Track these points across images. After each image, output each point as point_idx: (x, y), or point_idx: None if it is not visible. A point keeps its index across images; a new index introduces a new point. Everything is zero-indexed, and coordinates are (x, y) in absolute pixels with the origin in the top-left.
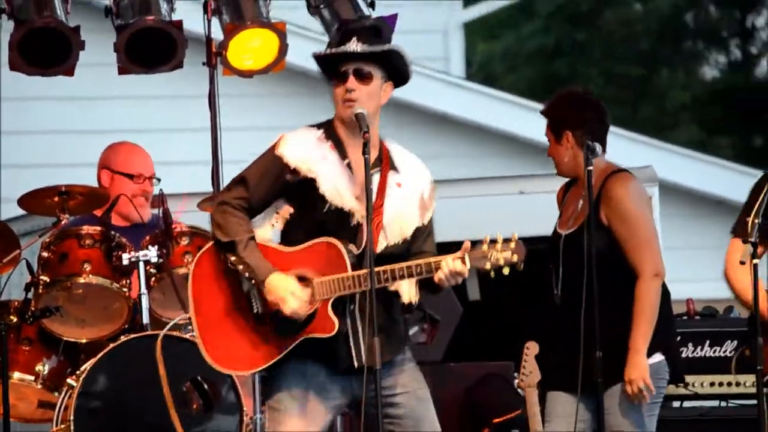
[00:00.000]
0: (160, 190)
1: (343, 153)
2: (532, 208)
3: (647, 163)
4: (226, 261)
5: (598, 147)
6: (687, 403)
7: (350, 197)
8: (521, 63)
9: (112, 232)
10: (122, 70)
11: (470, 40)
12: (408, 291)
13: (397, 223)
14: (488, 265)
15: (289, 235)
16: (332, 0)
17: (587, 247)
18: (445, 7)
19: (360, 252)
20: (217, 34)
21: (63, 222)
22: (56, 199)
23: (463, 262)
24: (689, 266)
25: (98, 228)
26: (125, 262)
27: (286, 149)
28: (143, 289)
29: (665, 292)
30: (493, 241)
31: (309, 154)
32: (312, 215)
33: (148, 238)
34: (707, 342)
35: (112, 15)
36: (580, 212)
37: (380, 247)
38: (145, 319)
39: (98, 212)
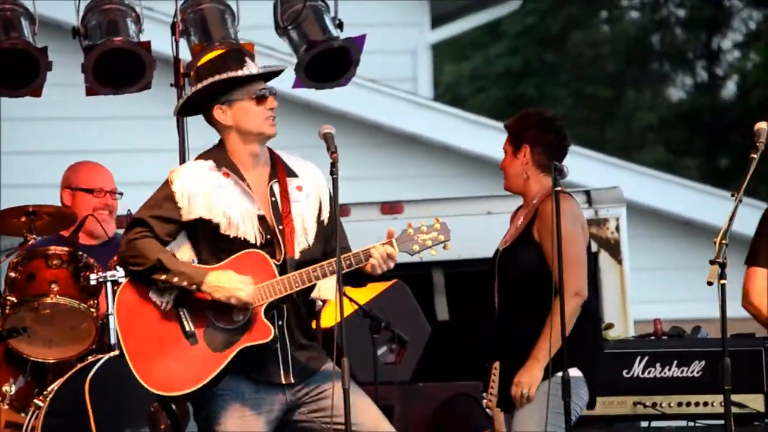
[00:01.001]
0: (128, 210)
1: (239, 175)
2: (500, 229)
3: (614, 183)
4: (151, 286)
5: (566, 168)
6: (655, 423)
7: (252, 222)
8: (489, 84)
9: (80, 253)
10: (90, 91)
11: (438, 61)
12: (327, 289)
13: (305, 227)
14: (416, 247)
15: (203, 263)
16: (300, 21)
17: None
18: (413, 29)
19: (281, 262)
20: (185, 55)
21: (30, 242)
22: (23, 219)
23: (392, 246)
24: (656, 287)
25: (66, 248)
26: (93, 282)
27: (177, 187)
28: (111, 309)
29: (595, 318)
30: (418, 226)
31: (201, 189)
32: (219, 245)
33: (115, 258)
34: (675, 362)
35: (79, 36)
36: (518, 229)
37: (297, 253)
38: (113, 339)
39: (65, 233)
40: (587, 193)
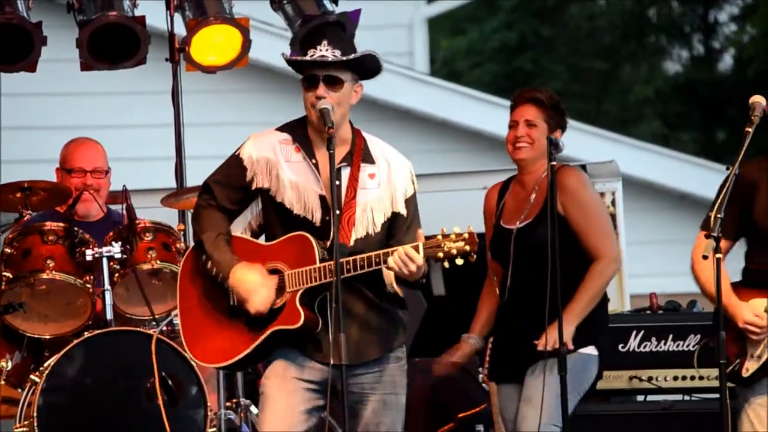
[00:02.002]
0: (124, 186)
1: (310, 152)
2: None
3: (610, 157)
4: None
5: (561, 143)
6: (651, 397)
7: (312, 199)
8: (485, 59)
9: (76, 228)
10: (84, 66)
11: (434, 36)
12: (390, 279)
13: (369, 215)
14: (441, 254)
15: (268, 232)
16: None
17: (550, 240)
18: (409, 3)
19: (329, 246)
20: (180, 29)
21: (26, 218)
22: (19, 195)
23: (417, 249)
24: (652, 261)
25: (61, 224)
26: (89, 257)
27: (247, 154)
28: (107, 285)
29: (605, 297)
30: (448, 233)
31: (270, 159)
32: (280, 218)
33: (111, 233)
34: (670, 336)
35: (74, 11)
36: (533, 205)
37: (352, 242)
38: (109, 315)
39: (61, 209)
40: (583, 167)
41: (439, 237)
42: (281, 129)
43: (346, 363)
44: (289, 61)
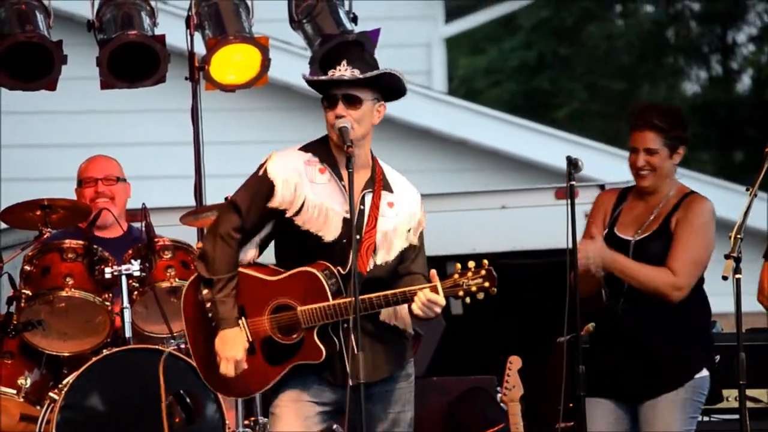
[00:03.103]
0: (143, 204)
1: (337, 173)
2: (514, 223)
3: (629, 177)
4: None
5: (581, 162)
6: None
7: (336, 220)
8: (504, 78)
9: (95, 246)
10: (105, 85)
11: (452, 55)
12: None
13: (387, 244)
14: (461, 293)
15: (281, 255)
16: (315, 15)
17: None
18: (427, 22)
19: (346, 273)
20: (200, 48)
21: (45, 235)
22: (38, 212)
23: (436, 291)
24: None
25: (81, 242)
26: (108, 275)
27: (272, 172)
28: (126, 303)
29: (710, 315)
30: (465, 269)
31: (294, 181)
32: (298, 238)
33: (130, 251)
34: None
35: (94, 29)
36: (653, 221)
37: (369, 269)
38: (128, 333)
39: (82, 225)
40: (602, 187)
41: (456, 275)
42: (304, 149)
43: (364, 381)
44: (308, 81)
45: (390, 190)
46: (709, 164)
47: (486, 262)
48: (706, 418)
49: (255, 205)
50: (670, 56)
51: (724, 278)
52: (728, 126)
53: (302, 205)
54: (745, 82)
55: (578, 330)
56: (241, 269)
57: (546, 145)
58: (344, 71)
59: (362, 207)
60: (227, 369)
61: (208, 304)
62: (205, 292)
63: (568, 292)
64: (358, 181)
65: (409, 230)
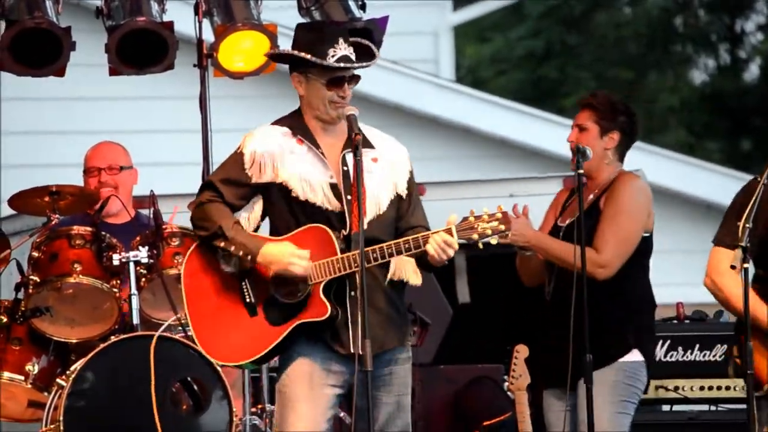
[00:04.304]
0: (151, 191)
1: (314, 142)
2: None
3: (636, 166)
4: (216, 253)
5: (588, 150)
6: (677, 407)
7: (323, 188)
8: (510, 66)
9: (103, 233)
10: (113, 71)
11: (459, 43)
12: (408, 271)
13: (376, 199)
14: (476, 236)
15: (278, 228)
16: (323, 2)
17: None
18: (435, 10)
19: (347, 235)
20: (208, 35)
21: (53, 222)
22: (47, 199)
23: (451, 234)
24: (679, 270)
25: (89, 228)
26: (116, 262)
27: (248, 150)
28: (133, 290)
29: (652, 303)
30: (480, 214)
31: (272, 153)
32: (290, 209)
33: (138, 238)
34: (697, 346)
35: (103, 16)
36: (586, 205)
37: (364, 228)
38: (135, 320)
39: (92, 211)
40: None
41: (471, 218)
42: (278, 123)
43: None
44: (322, 64)
45: (371, 146)
46: (716, 153)
47: (501, 206)
48: (712, 408)
49: (234, 182)
50: (678, 45)
51: (732, 267)
52: (736, 115)
53: (287, 177)
54: (753, 71)
55: (584, 317)
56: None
57: (554, 133)
58: (345, 50)
59: (345, 168)
60: (297, 265)
61: (231, 247)
62: (221, 244)
63: (575, 278)
64: (335, 145)
65: (395, 181)
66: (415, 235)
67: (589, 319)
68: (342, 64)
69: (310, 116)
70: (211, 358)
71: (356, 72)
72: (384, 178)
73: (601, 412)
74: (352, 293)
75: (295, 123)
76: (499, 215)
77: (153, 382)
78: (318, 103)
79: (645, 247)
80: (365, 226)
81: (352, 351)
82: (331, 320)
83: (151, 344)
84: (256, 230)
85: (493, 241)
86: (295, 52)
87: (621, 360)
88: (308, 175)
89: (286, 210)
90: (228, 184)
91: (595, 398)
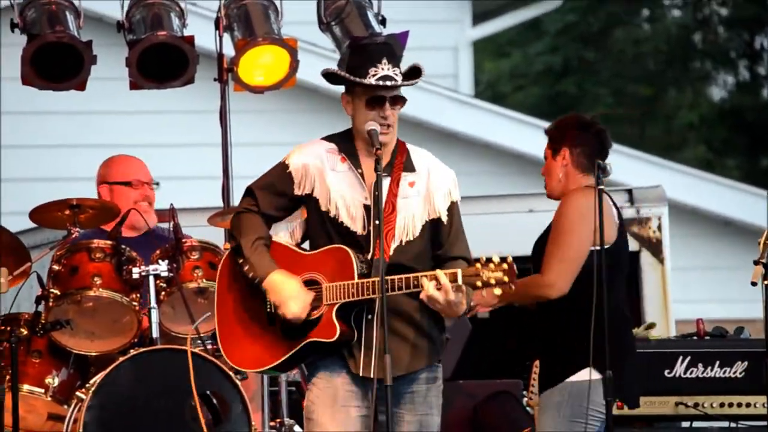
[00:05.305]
0: (171, 204)
1: (356, 163)
2: (542, 227)
3: (655, 182)
4: (238, 263)
5: (609, 166)
6: (697, 424)
7: (357, 209)
8: (529, 82)
9: (123, 246)
10: (134, 85)
11: (478, 58)
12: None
13: (407, 225)
14: (479, 283)
15: (313, 240)
16: (343, 17)
17: (597, 267)
18: (454, 25)
19: (370, 259)
20: (229, 50)
21: (74, 235)
22: (67, 212)
23: (456, 278)
24: (699, 286)
25: (109, 242)
26: (135, 275)
27: (293, 161)
28: (153, 303)
29: (621, 316)
30: (488, 261)
31: (316, 167)
32: (323, 225)
33: (158, 252)
34: (717, 362)
35: (124, 30)
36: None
37: (390, 254)
38: (155, 333)
39: (107, 227)
40: (629, 191)
41: (478, 265)
42: (327, 139)
43: (389, 383)
44: (358, 82)
45: (412, 170)
46: (735, 169)
47: (510, 257)
48: (732, 425)
49: (273, 191)
50: (697, 61)
51: (753, 284)
52: (755, 131)
53: (325, 192)
54: None
55: (605, 331)
56: (275, 239)
57: None
58: (387, 70)
59: (377, 192)
60: (292, 307)
61: (245, 266)
62: (240, 259)
63: (596, 294)
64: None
65: (431, 207)
66: (424, 273)
67: (545, 338)
68: (378, 83)
69: (358, 137)
70: (228, 360)
71: (400, 94)
72: (418, 204)
73: (542, 429)
74: (369, 317)
75: (343, 141)
76: (506, 266)
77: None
78: (360, 120)
79: (604, 262)
80: (391, 252)
81: (361, 374)
82: (345, 342)
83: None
84: (302, 240)
85: (496, 291)
86: (336, 71)
87: (567, 380)
88: (344, 195)
89: (319, 225)
90: (267, 191)
91: (541, 417)
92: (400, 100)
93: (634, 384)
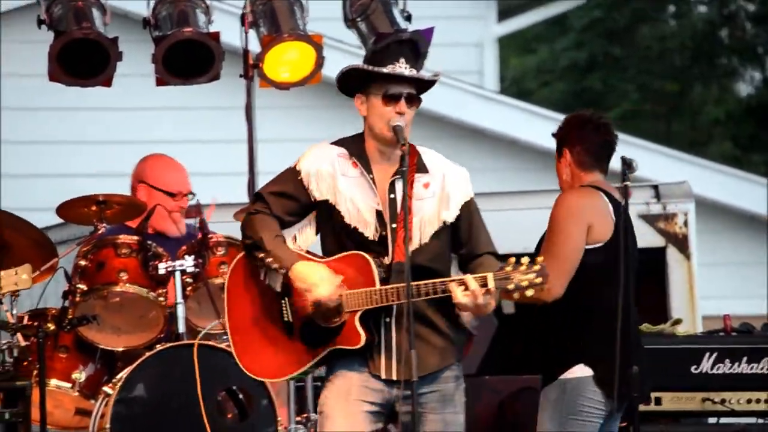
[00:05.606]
0: (197, 200)
1: (367, 168)
2: None
3: (681, 178)
4: (256, 263)
5: (635, 162)
6: (724, 419)
7: (368, 214)
8: (554, 78)
9: (149, 242)
10: (160, 82)
11: (503, 54)
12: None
13: (423, 227)
14: (511, 286)
15: (325, 245)
16: (369, 13)
17: (624, 263)
18: (479, 22)
19: (389, 264)
20: (254, 46)
21: (100, 231)
22: (94, 208)
23: (486, 282)
24: (725, 282)
25: (135, 237)
26: (161, 271)
27: (304, 166)
28: (179, 299)
29: (609, 312)
30: (518, 264)
31: (328, 172)
32: (335, 231)
33: (184, 247)
34: (744, 358)
35: (150, 26)
36: None
37: (408, 255)
38: (181, 329)
39: (132, 223)
40: (655, 187)
41: (509, 268)
42: (337, 143)
43: (414, 379)
44: (373, 71)
45: (425, 171)
46: (762, 165)
47: (541, 258)
48: (759, 421)
49: (284, 195)
50: (724, 57)
51: None
52: None
53: (336, 197)
54: None
55: (631, 328)
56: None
57: None
58: (404, 69)
59: (392, 195)
60: (323, 290)
61: (268, 259)
62: (260, 255)
63: (622, 289)
64: (388, 171)
65: (446, 208)
66: (452, 278)
67: (541, 336)
68: (394, 72)
69: (370, 140)
70: (245, 370)
71: (415, 93)
72: (433, 206)
73: (544, 429)
74: (387, 320)
75: (354, 146)
76: (537, 267)
77: (199, 388)
78: (376, 120)
79: (597, 259)
80: (409, 254)
81: (384, 377)
82: (367, 345)
83: (194, 351)
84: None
85: (528, 293)
86: (352, 66)
87: (561, 377)
88: (355, 200)
89: (331, 231)
90: (278, 197)
91: (540, 415)
92: (417, 100)
93: (644, 380)
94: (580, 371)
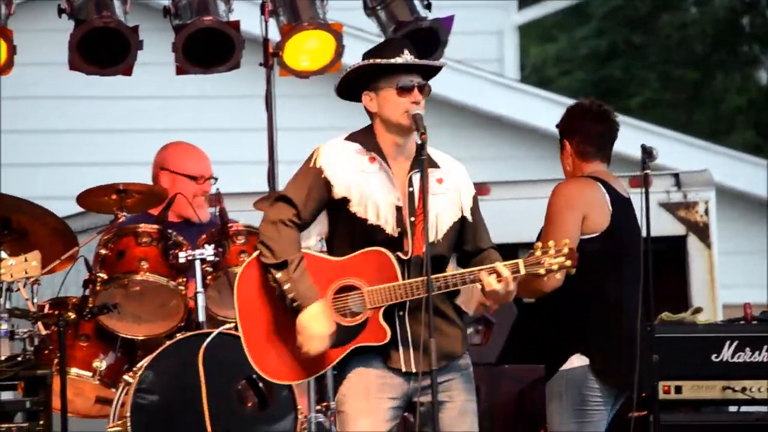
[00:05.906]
0: (217, 189)
1: (385, 161)
2: None
3: (702, 166)
4: (271, 278)
5: (655, 150)
6: (744, 408)
7: (388, 210)
8: (575, 66)
9: (169, 231)
10: (180, 70)
11: (523, 42)
12: (473, 302)
13: (439, 222)
14: (542, 270)
15: (334, 245)
16: (389, 2)
17: (644, 251)
18: (499, 10)
19: (408, 258)
20: (274, 35)
21: (120, 220)
22: (114, 197)
23: (519, 269)
24: (747, 271)
25: (155, 226)
26: (182, 260)
27: (324, 164)
28: (200, 287)
29: (609, 303)
30: (546, 248)
31: (349, 168)
32: (355, 227)
33: (204, 236)
34: (765, 347)
35: (170, 15)
36: None
37: (425, 250)
38: (201, 317)
39: (153, 211)
40: (676, 176)
41: (538, 253)
42: (350, 138)
43: (435, 367)
44: (390, 64)
45: (436, 166)
46: None
47: (567, 241)
48: None
49: (311, 197)
50: (745, 45)
51: None
52: None
53: (356, 195)
54: None
55: (652, 318)
56: (305, 251)
57: (619, 133)
58: (411, 60)
59: (411, 189)
60: (316, 345)
61: (287, 285)
62: (279, 275)
63: (643, 279)
64: (403, 166)
65: (460, 204)
66: (481, 267)
67: (542, 329)
68: (406, 62)
69: (384, 134)
70: (263, 374)
71: (426, 82)
72: (448, 200)
73: (553, 422)
74: (401, 313)
75: (367, 141)
76: (566, 251)
77: (203, 380)
78: (392, 109)
79: (593, 248)
80: (424, 248)
81: (404, 369)
82: (389, 342)
83: (205, 343)
84: (329, 240)
85: (558, 276)
86: (362, 63)
87: (562, 369)
88: (376, 196)
89: (346, 228)
90: (307, 200)
91: (548, 408)
92: (427, 89)
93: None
94: (578, 361)
